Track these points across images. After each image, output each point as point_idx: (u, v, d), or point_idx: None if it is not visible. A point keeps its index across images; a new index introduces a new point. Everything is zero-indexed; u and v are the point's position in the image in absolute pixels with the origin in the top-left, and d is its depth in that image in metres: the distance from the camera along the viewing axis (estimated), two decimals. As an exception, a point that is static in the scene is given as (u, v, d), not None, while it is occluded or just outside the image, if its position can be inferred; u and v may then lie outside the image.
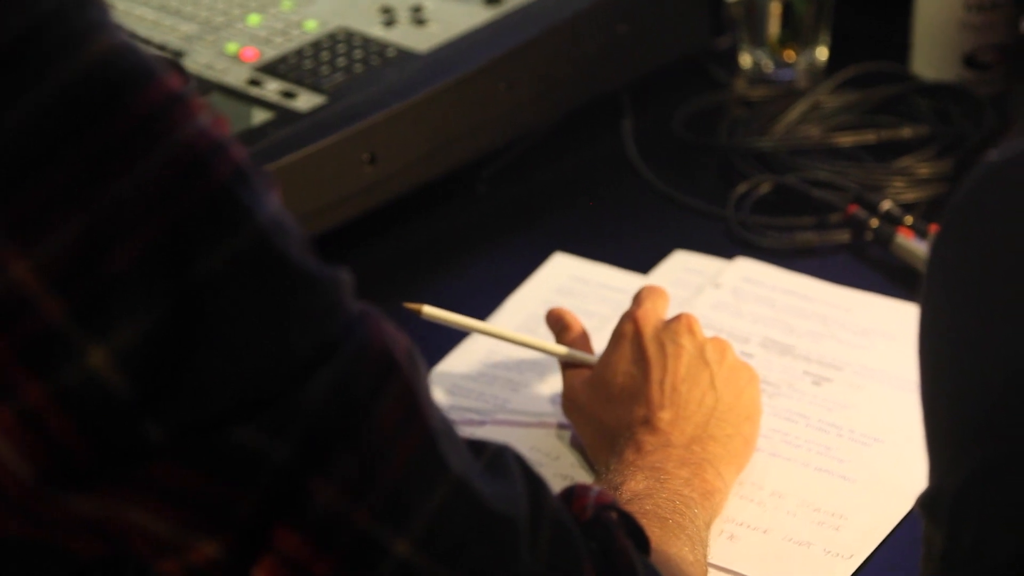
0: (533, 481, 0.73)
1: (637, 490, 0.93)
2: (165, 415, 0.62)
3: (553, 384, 1.11)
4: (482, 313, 1.19)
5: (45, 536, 0.65)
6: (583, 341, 1.08)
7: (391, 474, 0.66)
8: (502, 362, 1.15)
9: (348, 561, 0.66)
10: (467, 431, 1.06)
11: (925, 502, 0.68)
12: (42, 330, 0.61)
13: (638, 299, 1.07)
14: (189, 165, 0.63)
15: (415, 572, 0.67)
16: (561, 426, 1.08)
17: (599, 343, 1.11)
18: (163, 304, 0.61)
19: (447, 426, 0.70)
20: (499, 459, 0.72)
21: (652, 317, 1.04)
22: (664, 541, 0.87)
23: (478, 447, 0.73)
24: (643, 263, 1.24)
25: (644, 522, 0.84)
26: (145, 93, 0.62)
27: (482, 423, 1.09)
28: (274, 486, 0.64)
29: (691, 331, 1.03)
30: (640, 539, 0.79)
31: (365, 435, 0.65)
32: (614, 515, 0.78)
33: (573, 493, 0.79)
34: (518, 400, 1.11)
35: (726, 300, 1.19)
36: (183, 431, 0.62)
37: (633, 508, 0.89)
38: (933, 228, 1.23)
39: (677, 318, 1.04)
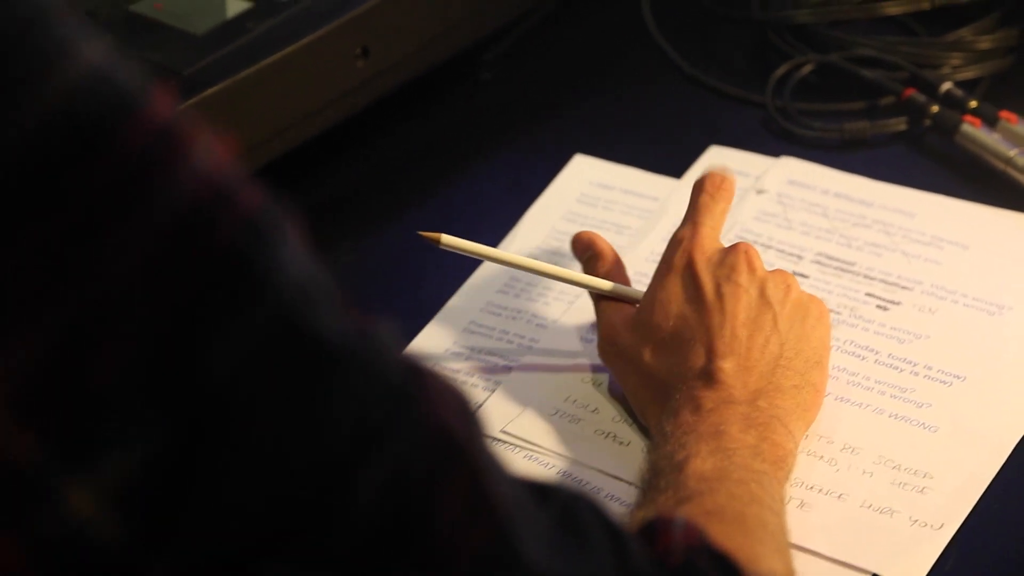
0: (615, 539, 0.60)
1: (705, 473, 0.80)
2: (175, 558, 0.48)
3: (585, 319, 0.98)
4: (496, 228, 1.06)
5: None
6: (619, 271, 0.95)
7: None
8: (524, 291, 1.01)
9: None
10: (493, 376, 0.95)
11: None
12: (8, 472, 0.47)
13: (693, 215, 0.92)
14: (187, 227, 0.48)
15: None
16: (596, 370, 0.95)
17: (631, 263, 0.98)
18: (162, 421, 0.48)
19: (514, 491, 0.57)
20: (573, 514, 0.60)
21: (708, 245, 0.90)
22: (752, 555, 0.74)
23: (547, 494, 0.60)
24: (674, 162, 1.10)
25: (726, 530, 0.72)
26: (126, 135, 0.48)
27: (507, 369, 0.96)
28: None
29: (750, 266, 0.89)
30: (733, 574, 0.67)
31: (426, 542, 0.52)
32: (706, 558, 0.66)
33: (655, 530, 0.67)
34: (546, 338, 0.98)
35: (772, 209, 1.06)
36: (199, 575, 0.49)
37: (707, 504, 0.77)
38: (1003, 115, 1.09)
39: (734, 249, 0.90)
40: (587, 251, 0.96)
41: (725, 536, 0.71)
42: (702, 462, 0.80)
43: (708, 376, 0.86)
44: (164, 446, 0.49)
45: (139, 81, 0.50)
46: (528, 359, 0.97)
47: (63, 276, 0.47)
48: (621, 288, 0.93)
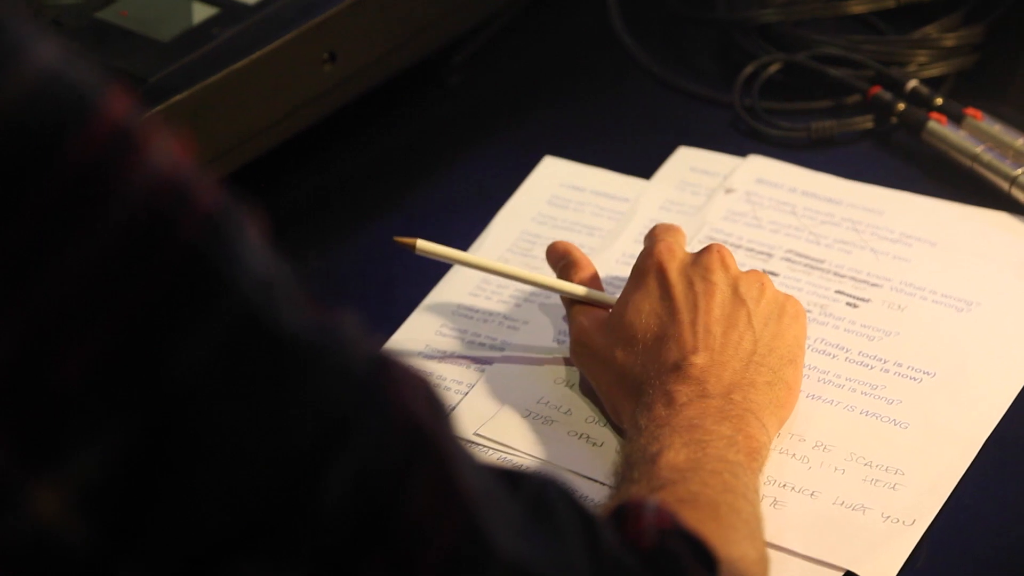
0: (586, 524, 0.61)
1: (678, 464, 0.80)
2: (142, 559, 0.48)
3: (557, 321, 0.98)
4: (466, 231, 1.06)
5: None
6: (593, 279, 0.95)
7: (430, 573, 0.53)
8: (496, 293, 1.01)
9: None
10: (466, 379, 0.95)
11: None
12: None
13: (653, 235, 0.94)
14: (147, 228, 0.48)
15: None
16: (569, 371, 0.95)
17: (603, 265, 0.98)
18: (128, 422, 0.48)
19: (483, 480, 0.57)
20: (543, 501, 0.60)
21: (676, 250, 0.91)
22: (724, 540, 0.74)
23: (516, 481, 0.60)
24: (643, 163, 1.10)
25: (698, 515, 0.73)
26: (80, 136, 0.48)
27: (480, 370, 0.96)
28: None
29: (723, 264, 0.90)
30: (707, 559, 0.67)
31: (396, 535, 0.52)
32: (678, 540, 0.66)
33: (626, 514, 0.67)
34: (519, 341, 0.98)
35: (740, 208, 1.06)
36: (167, 574, 0.49)
37: (679, 492, 0.77)
38: (968, 112, 1.09)
39: (707, 250, 0.91)
40: (562, 259, 0.96)
41: (698, 522, 0.71)
42: (675, 453, 0.81)
43: (681, 371, 0.86)
44: (129, 446, 0.49)
45: (93, 82, 0.50)
46: (500, 362, 0.97)
47: (22, 279, 0.47)
48: (594, 293, 0.94)
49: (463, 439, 0.58)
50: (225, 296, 0.50)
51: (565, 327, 0.96)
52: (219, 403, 0.49)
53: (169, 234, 0.49)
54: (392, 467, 0.53)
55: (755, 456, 0.84)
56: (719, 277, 0.89)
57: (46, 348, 0.47)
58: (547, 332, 0.98)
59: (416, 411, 0.55)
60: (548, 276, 0.96)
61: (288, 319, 0.51)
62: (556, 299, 0.98)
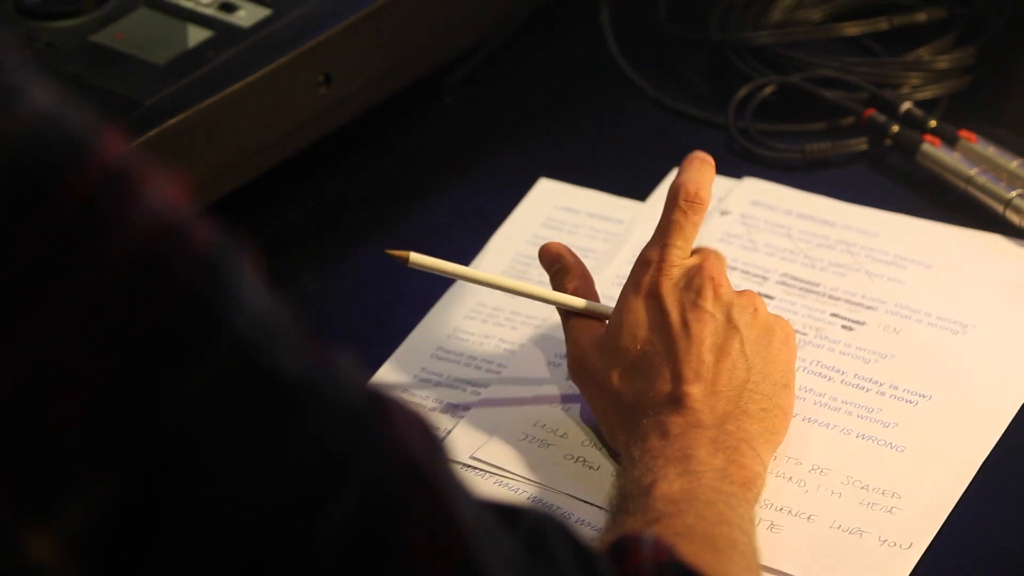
0: (584, 560, 0.60)
1: (672, 495, 0.80)
2: None
3: (553, 344, 0.98)
4: (462, 253, 1.06)
5: None
6: (587, 284, 0.94)
7: None
8: (492, 315, 1.01)
9: None
10: (462, 402, 0.95)
11: None
12: None
13: (663, 235, 0.91)
14: (144, 270, 0.48)
15: None
16: (565, 395, 0.95)
17: (598, 287, 0.98)
18: (122, 466, 0.47)
19: (481, 516, 0.57)
20: (540, 537, 0.60)
21: (675, 270, 0.90)
22: (722, 572, 0.74)
23: (514, 517, 0.60)
24: (638, 185, 1.10)
25: (695, 548, 0.72)
26: (76, 179, 0.48)
27: (476, 393, 0.96)
28: None
29: (716, 291, 0.89)
30: None
31: (393, 571, 0.52)
32: (676, 573, 0.66)
33: (624, 549, 0.67)
34: (515, 363, 0.98)
35: (736, 230, 1.06)
36: None
37: (675, 525, 0.77)
38: (962, 134, 1.09)
39: (700, 271, 0.90)
40: (555, 263, 0.96)
41: (695, 556, 0.71)
42: (669, 485, 0.81)
43: (675, 401, 0.86)
44: (124, 490, 0.48)
45: (89, 123, 0.50)
46: (497, 384, 0.97)
47: (16, 321, 0.47)
48: (592, 305, 0.93)
49: (458, 469, 0.57)
50: (221, 337, 0.50)
51: (561, 349, 0.96)
52: (216, 444, 0.49)
53: (166, 276, 0.49)
54: (389, 504, 0.53)
55: (749, 486, 0.84)
56: (711, 304, 0.89)
57: (40, 391, 0.47)
58: (543, 355, 0.98)
59: (412, 447, 0.55)
60: (544, 288, 0.95)
61: (284, 359, 0.51)
62: (552, 320, 0.98)
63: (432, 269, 0.93)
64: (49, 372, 0.47)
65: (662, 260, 0.91)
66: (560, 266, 0.95)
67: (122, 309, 0.48)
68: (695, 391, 0.86)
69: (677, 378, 0.87)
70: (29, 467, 0.47)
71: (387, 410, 0.55)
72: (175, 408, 0.49)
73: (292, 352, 0.52)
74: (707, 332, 0.88)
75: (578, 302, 0.93)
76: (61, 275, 0.47)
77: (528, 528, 0.60)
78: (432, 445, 0.57)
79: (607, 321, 0.92)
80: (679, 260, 0.91)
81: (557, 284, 0.95)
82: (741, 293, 0.91)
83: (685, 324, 0.88)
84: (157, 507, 0.49)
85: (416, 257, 0.92)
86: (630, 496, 0.80)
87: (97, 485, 0.48)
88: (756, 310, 0.90)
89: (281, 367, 0.51)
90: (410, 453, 0.55)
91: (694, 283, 0.90)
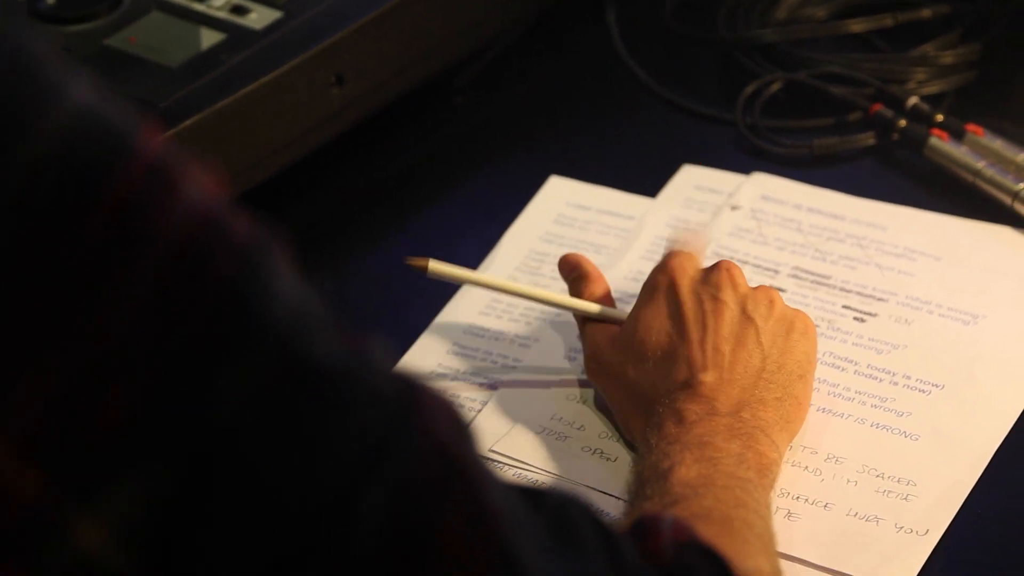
0: (608, 541, 0.61)
1: (690, 480, 0.81)
2: None
3: (568, 338, 0.99)
4: (474, 251, 1.07)
5: None
6: (605, 292, 0.96)
7: None
8: (507, 311, 1.02)
9: None
10: (479, 397, 0.96)
11: None
12: (16, 505, 0.47)
13: (668, 254, 0.95)
14: (183, 267, 0.49)
15: None
16: (582, 387, 0.96)
17: (612, 283, 0.99)
18: (168, 459, 0.48)
19: (509, 500, 0.57)
20: (565, 518, 0.61)
21: (688, 267, 0.92)
22: (739, 554, 0.75)
23: (537, 498, 0.61)
24: (648, 182, 1.11)
25: (712, 530, 0.73)
26: (121, 173, 0.48)
27: (493, 388, 0.97)
28: None
29: (733, 283, 0.91)
30: (724, 572, 0.68)
31: (430, 559, 0.53)
32: (695, 554, 0.67)
33: (644, 529, 0.68)
34: (531, 358, 0.99)
35: (746, 224, 1.07)
36: None
37: (693, 508, 0.78)
38: (969, 128, 1.10)
39: (716, 268, 0.92)
40: (574, 271, 0.97)
41: (713, 537, 0.72)
42: (687, 470, 0.82)
43: (691, 389, 0.87)
44: (172, 481, 0.49)
45: (129, 117, 0.51)
46: (513, 379, 0.97)
47: (69, 318, 0.48)
48: (608, 311, 0.95)
49: (486, 459, 0.58)
50: (261, 329, 0.50)
51: (576, 344, 0.97)
52: (259, 434, 0.50)
53: (208, 269, 0.50)
54: (425, 491, 0.54)
55: (765, 472, 0.85)
56: (728, 295, 0.90)
57: (92, 386, 0.48)
58: (558, 350, 0.99)
59: (444, 435, 0.55)
60: (560, 294, 0.97)
61: (322, 349, 0.52)
62: (566, 317, 0.99)
63: (452, 277, 0.94)
64: (100, 366, 0.48)
65: (678, 259, 0.93)
66: (578, 274, 0.97)
67: (168, 303, 0.49)
68: (710, 379, 0.87)
69: (692, 366, 0.88)
70: (80, 458, 0.48)
71: (419, 398, 0.56)
72: (220, 400, 0.50)
73: (328, 341, 0.53)
74: (723, 322, 0.89)
75: (594, 307, 0.95)
76: (112, 269, 0.48)
77: (552, 510, 0.61)
78: (461, 432, 0.58)
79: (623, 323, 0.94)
80: (693, 261, 0.94)
81: (575, 292, 0.97)
82: (758, 288, 0.92)
83: (702, 314, 0.90)
84: (202, 498, 0.49)
85: (435, 265, 0.93)
86: (648, 481, 0.81)
87: (144, 476, 0.49)
88: (772, 302, 0.91)
89: (319, 356, 0.52)
90: (442, 440, 0.56)
91: (711, 278, 0.91)
